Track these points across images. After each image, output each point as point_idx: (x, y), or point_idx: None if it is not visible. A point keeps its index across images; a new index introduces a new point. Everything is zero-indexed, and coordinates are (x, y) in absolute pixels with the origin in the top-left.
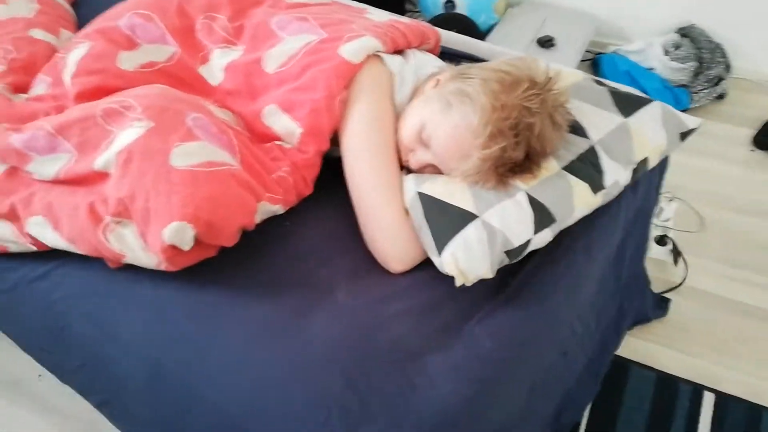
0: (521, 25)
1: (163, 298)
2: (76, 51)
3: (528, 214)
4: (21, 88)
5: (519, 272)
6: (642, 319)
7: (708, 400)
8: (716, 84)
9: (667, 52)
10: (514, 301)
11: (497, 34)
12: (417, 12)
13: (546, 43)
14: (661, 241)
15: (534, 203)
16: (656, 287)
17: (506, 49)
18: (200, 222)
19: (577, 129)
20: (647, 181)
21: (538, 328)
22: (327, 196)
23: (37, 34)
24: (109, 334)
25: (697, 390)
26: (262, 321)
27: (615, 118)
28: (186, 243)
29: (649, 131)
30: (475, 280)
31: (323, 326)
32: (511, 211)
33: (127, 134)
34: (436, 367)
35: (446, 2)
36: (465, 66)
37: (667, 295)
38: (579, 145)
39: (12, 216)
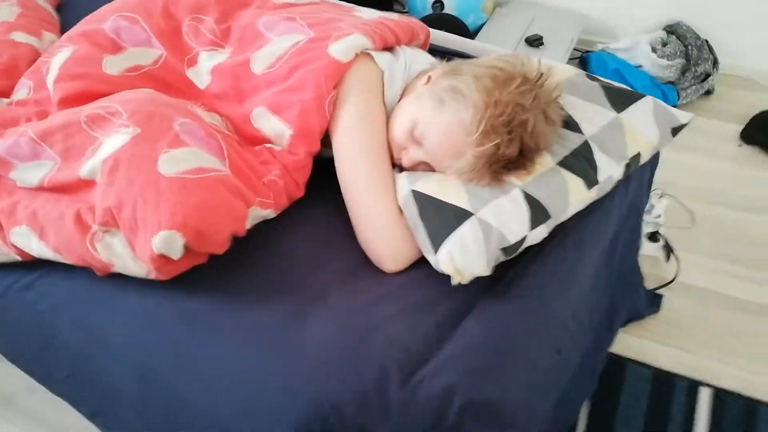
0: (510, 25)
1: (152, 304)
2: (59, 55)
3: (524, 211)
4: (3, 93)
5: (512, 267)
6: (635, 316)
7: (704, 396)
8: (703, 80)
9: (654, 50)
10: (507, 296)
11: (486, 33)
12: (405, 13)
13: (534, 42)
14: (653, 237)
15: (529, 200)
16: (649, 284)
17: (496, 47)
18: (190, 230)
19: (570, 124)
20: (639, 176)
21: (531, 321)
22: (319, 198)
23: (19, 36)
24: (98, 341)
25: (692, 386)
26: (254, 324)
27: (608, 113)
28: (175, 252)
29: (642, 126)
30: (472, 278)
31: (317, 328)
32: (506, 208)
33: (113, 141)
34: (430, 365)
35: (435, 3)
36: (457, 62)
37: (659, 291)
38: (573, 140)
39: None
